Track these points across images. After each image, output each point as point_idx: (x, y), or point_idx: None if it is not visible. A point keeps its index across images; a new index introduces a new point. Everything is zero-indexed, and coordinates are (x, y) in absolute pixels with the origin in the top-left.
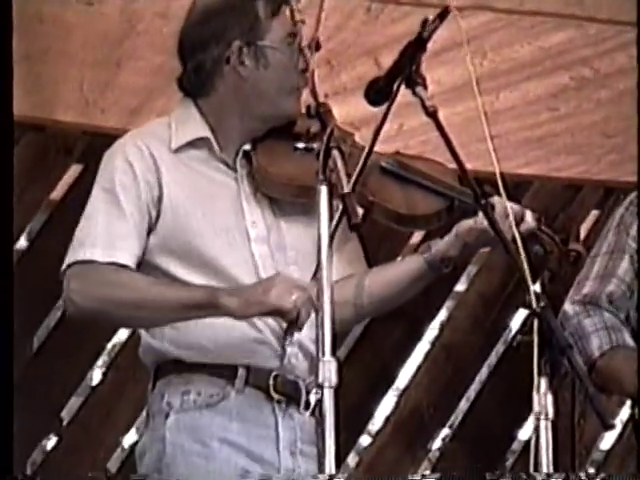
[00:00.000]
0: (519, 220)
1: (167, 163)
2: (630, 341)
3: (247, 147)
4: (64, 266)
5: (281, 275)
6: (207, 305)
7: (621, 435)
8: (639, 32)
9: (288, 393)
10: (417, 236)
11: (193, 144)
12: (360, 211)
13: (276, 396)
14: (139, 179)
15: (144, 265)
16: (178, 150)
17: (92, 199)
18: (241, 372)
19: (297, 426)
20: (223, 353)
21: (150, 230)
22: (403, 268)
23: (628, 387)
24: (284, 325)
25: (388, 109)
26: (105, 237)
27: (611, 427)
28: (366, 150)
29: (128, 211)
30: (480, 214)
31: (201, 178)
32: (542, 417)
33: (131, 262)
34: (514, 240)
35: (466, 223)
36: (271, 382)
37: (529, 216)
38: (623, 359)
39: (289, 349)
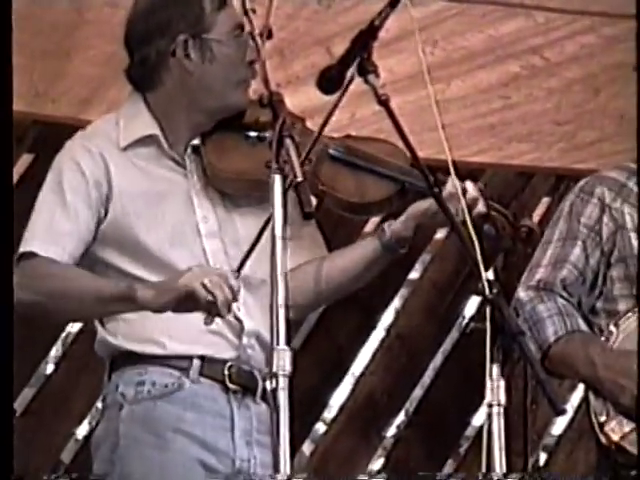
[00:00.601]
0: (472, 203)
1: (116, 162)
2: (584, 326)
3: (196, 142)
4: (14, 262)
5: (199, 266)
6: (124, 298)
7: (572, 420)
8: (638, 27)
9: (244, 383)
10: (373, 221)
11: (141, 141)
12: (313, 200)
13: (232, 386)
14: (87, 177)
15: (95, 262)
16: (127, 148)
17: (39, 198)
18: (196, 363)
19: (253, 416)
20: (177, 344)
21: (98, 227)
22: (359, 251)
23: (583, 372)
24: (231, 319)
25: (340, 97)
26: (45, 232)
27: (562, 412)
28: (314, 137)
29: (72, 208)
30: None
31: (150, 176)
32: (495, 403)
33: (66, 258)
34: (465, 224)
35: (420, 204)
36: (226, 372)
37: (481, 201)
38: (578, 344)
39: (245, 340)
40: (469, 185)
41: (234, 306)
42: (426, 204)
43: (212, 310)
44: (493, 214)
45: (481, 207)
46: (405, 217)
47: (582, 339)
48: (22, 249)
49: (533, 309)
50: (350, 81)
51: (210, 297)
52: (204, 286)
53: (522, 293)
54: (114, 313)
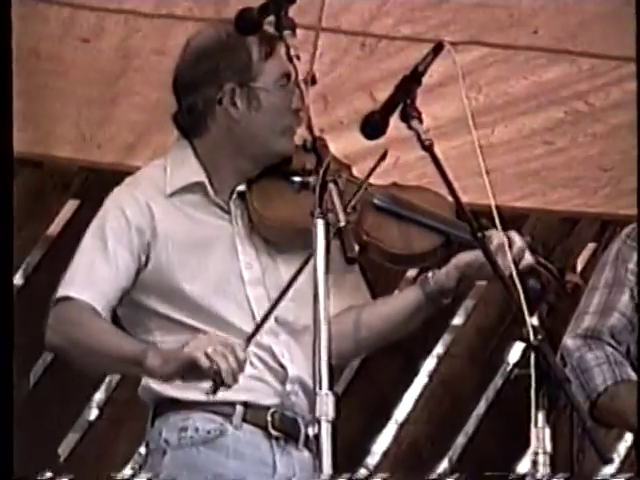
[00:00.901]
0: (518, 255)
1: (162, 209)
2: (633, 375)
3: (241, 188)
4: (51, 303)
5: (208, 334)
6: (133, 362)
7: (620, 469)
8: (638, 68)
9: (286, 430)
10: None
11: (188, 188)
12: (356, 247)
13: (274, 433)
14: (131, 224)
15: (139, 309)
16: (173, 195)
17: (81, 245)
18: (239, 409)
19: (295, 463)
20: (221, 391)
21: (138, 273)
22: (401, 301)
23: (632, 422)
24: (274, 365)
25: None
26: (83, 276)
27: (609, 461)
28: (360, 183)
29: (113, 253)
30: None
31: (195, 223)
32: (540, 451)
33: (98, 304)
34: (510, 274)
35: (465, 255)
36: (269, 419)
37: (527, 252)
38: (627, 393)
39: (289, 386)
40: (515, 236)
41: (278, 352)
42: (471, 256)
43: (217, 380)
44: (538, 268)
45: (528, 258)
46: (449, 268)
47: (631, 389)
48: (60, 293)
49: (581, 358)
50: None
51: (214, 366)
52: (207, 355)
53: (569, 341)
54: (129, 374)
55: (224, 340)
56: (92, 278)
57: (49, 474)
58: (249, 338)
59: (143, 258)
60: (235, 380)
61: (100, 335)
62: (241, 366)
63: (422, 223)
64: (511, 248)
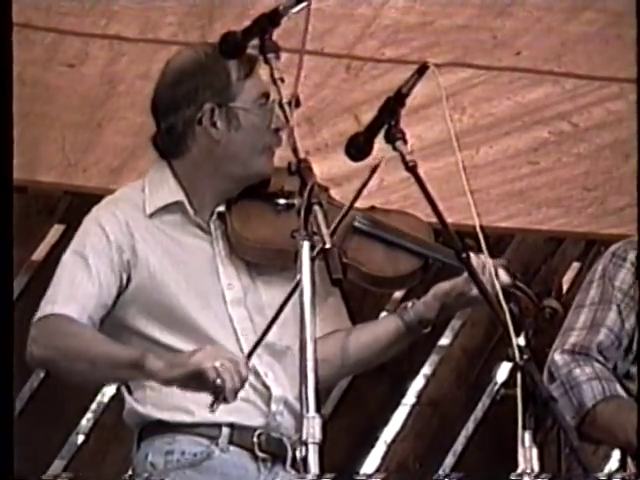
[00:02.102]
0: (492, 274)
1: (142, 229)
2: (622, 391)
3: (221, 208)
4: (33, 322)
5: (214, 346)
6: (133, 366)
7: None
8: (639, 85)
9: (273, 451)
10: (399, 293)
11: (167, 208)
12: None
13: (261, 455)
14: (111, 241)
15: (123, 330)
16: (153, 215)
17: (61, 262)
18: (225, 431)
19: None
20: (206, 412)
21: (121, 292)
22: (381, 329)
23: (622, 438)
24: (258, 386)
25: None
26: (66, 293)
27: None
28: (341, 209)
29: (95, 271)
30: (461, 274)
31: (175, 243)
32: (528, 471)
33: (84, 318)
34: (494, 294)
35: (443, 285)
36: (255, 440)
37: (502, 272)
38: (616, 410)
39: (274, 406)
40: (486, 258)
41: (262, 372)
42: (449, 285)
43: (219, 394)
44: (517, 293)
45: (504, 277)
46: (428, 298)
47: (620, 405)
48: (42, 313)
49: (570, 373)
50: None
51: (219, 381)
52: (215, 369)
53: (557, 356)
54: (125, 380)
55: (230, 355)
56: (74, 294)
57: None
58: (249, 355)
59: (125, 276)
60: (235, 398)
61: (93, 342)
62: (243, 384)
63: (401, 246)
64: (484, 270)
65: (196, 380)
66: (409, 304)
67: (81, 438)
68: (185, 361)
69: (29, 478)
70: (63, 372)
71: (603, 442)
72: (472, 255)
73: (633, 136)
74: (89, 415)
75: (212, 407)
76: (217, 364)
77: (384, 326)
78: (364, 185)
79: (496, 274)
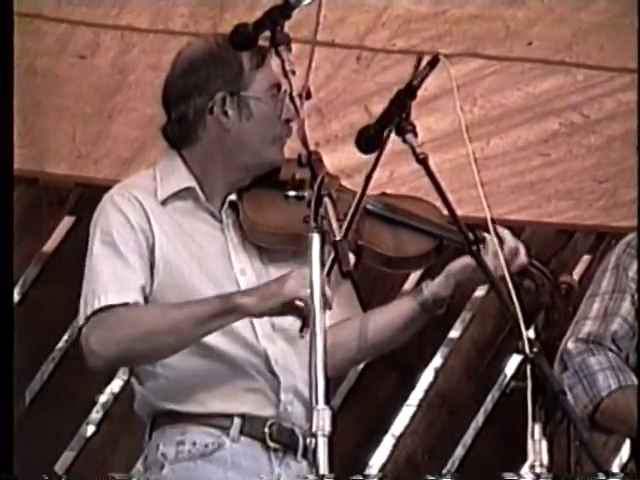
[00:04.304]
0: (513, 254)
1: (156, 214)
2: (636, 381)
3: (233, 197)
4: (81, 322)
5: (295, 271)
6: (225, 311)
7: None
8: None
9: (284, 441)
10: (412, 280)
11: (179, 195)
12: (352, 258)
13: (272, 445)
14: (136, 229)
15: None
16: (164, 202)
17: (94, 255)
18: (236, 421)
19: (294, 475)
20: (218, 402)
21: (152, 276)
22: (396, 311)
23: (635, 427)
24: (268, 374)
25: (378, 157)
26: (114, 283)
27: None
28: (357, 198)
29: (131, 260)
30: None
31: (188, 229)
32: (537, 464)
33: (142, 300)
34: (505, 281)
35: (458, 262)
36: (267, 430)
37: (522, 251)
38: (631, 399)
39: (283, 396)
40: (507, 235)
41: (272, 358)
42: (463, 261)
43: (307, 320)
44: (532, 270)
45: (522, 257)
46: (443, 276)
47: (634, 394)
48: (94, 307)
49: (584, 362)
50: (387, 140)
51: (308, 309)
52: (303, 299)
53: (571, 345)
54: (214, 331)
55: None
56: (123, 282)
57: None
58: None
59: (149, 261)
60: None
61: (167, 314)
62: (330, 305)
63: (415, 227)
64: (503, 247)
65: (290, 309)
66: (424, 285)
67: (91, 429)
68: (277, 291)
69: (39, 469)
70: (142, 358)
71: (616, 431)
72: (487, 237)
73: None
74: (99, 406)
75: (302, 332)
76: (306, 292)
77: (399, 308)
78: (370, 175)
79: (516, 253)
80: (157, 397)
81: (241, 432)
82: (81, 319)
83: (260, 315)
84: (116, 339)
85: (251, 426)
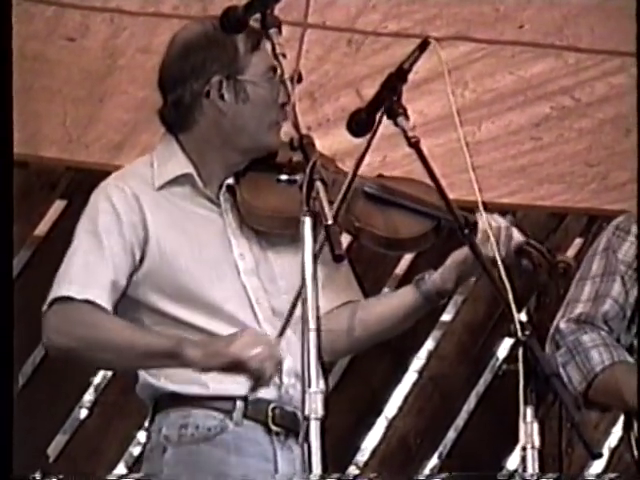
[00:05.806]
0: (508, 237)
1: (151, 203)
2: (630, 358)
3: (230, 181)
4: (45, 306)
5: (249, 330)
6: (170, 355)
7: (609, 463)
8: (639, 62)
9: (287, 425)
10: (403, 265)
11: (176, 181)
12: (345, 241)
13: (275, 428)
14: (122, 220)
15: (139, 306)
16: (161, 188)
17: (75, 241)
18: (239, 404)
19: (296, 458)
20: (220, 385)
21: (135, 270)
22: (398, 301)
23: (630, 401)
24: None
25: (370, 140)
26: (82, 275)
27: (598, 456)
28: (347, 181)
29: (108, 252)
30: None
31: (186, 215)
32: (529, 446)
33: (105, 302)
34: (497, 265)
35: (461, 253)
36: (269, 414)
37: (515, 232)
38: (625, 374)
39: (285, 379)
40: (498, 218)
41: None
42: (465, 252)
43: (258, 381)
44: (529, 249)
45: (517, 237)
46: (445, 268)
47: (628, 369)
48: (58, 293)
49: (577, 339)
50: (379, 124)
51: (260, 369)
52: (255, 357)
53: (563, 324)
54: (156, 367)
55: (265, 339)
56: (92, 276)
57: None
58: (280, 334)
59: (138, 255)
60: (271, 383)
61: (122, 332)
62: (280, 367)
63: (413, 209)
64: (497, 231)
65: (236, 368)
66: (426, 275)
67: (84, 412)
68: (224, 350)
69: (31, 452)
70: (87, 361)
71: (610, 406)
72: (484, 217)
73: (634, 110)
74: (92, 390)
75: (252, 391)
76: (256, 352)
77: (401, 297)
78: (362, 156)
79: (510, 235)
80: (159, 379)
81: (244, 415)
82: (46, 301)
83: (205, 371)
84: (73, 335)
85: (254, 409)
